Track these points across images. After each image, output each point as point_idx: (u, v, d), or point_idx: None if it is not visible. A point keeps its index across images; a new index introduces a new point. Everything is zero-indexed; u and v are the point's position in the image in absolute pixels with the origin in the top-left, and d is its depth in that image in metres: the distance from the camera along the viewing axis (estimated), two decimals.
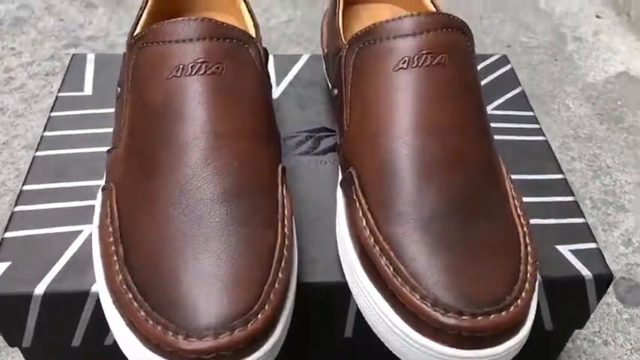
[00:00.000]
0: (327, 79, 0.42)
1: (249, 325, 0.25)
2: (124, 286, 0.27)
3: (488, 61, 0.48)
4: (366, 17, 0.45)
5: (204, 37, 0.31)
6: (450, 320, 0.25)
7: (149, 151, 0.30)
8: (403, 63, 0.31)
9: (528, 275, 0.28)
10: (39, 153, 0.39)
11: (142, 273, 0.27)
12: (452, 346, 0.26)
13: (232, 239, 0.27)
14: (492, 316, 0.25)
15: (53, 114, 0.42)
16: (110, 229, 0.29)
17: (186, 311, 0.25)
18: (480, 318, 0.25)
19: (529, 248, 0.29)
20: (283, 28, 0.75)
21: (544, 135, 0.42)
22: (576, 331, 0.45)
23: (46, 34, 0.72)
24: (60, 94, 0.43)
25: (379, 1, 0.45)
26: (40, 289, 0.32)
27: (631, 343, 0.45)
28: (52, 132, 0.40)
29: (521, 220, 0.30)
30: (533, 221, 0.36)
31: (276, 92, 0.44)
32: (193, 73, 0.30)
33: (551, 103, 0.66)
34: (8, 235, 0.34)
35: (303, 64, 0.47)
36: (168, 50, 0.31)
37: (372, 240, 0.29)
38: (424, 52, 0.31)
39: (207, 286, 0.25)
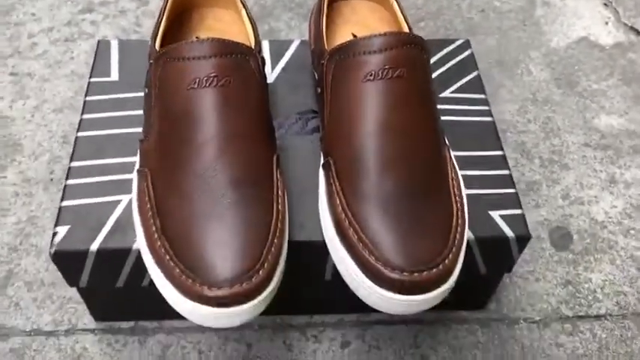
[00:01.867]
0: (313, 69, 0.51)
1: (254, 278, 0.35)
2: (163, 250, 0.37)
3: (452, 46, 0.56)
4: (347, 12, 0.53)
5: (214, 54, 0.40)
6: (395, 276, 0.36)
7: (174, 147, 0.39)
8: (370, 75, 0.40)
9: (456, 242, 0.38)
10: (80, 134, 0.48)
11: (175, 241, 0.37)
12: (397, 293, 0.36)
13: (240, 216, 0.37)
14: (425, 272, 0.36)
15: (88, 98, 0.50)
16: (148, 205, 0.39)
17: (208, 269, 0.35)
18: (416, 274, 0.35)
19: (459, 221, 0.39)
20: None
21: (492, 116, 0.51)
22: (514, 270, 0.56)
23: None
24: (91, 80, 0.52)
25: None
26: (94, 247, 0.42)
27: (557, 280, 0.57)
28: (89, 115, 0.49)
29: (456, 198, 0.40)
30: (472, 191, 0.46)
31: (271, 77, 0.53)
32: (207, 85, 0.39)
33: (516, 68, 0.74)
34: (64, 204, 0.44)
35: (294, 50, 0.55)
36: (187, 66, 0.39)
37: (344, 215, 0.39)
38: (387, 66, 0.40)
39: (223, 251, 0.36)
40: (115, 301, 0.50)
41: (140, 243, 0.40)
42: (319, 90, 0.45)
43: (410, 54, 0.41)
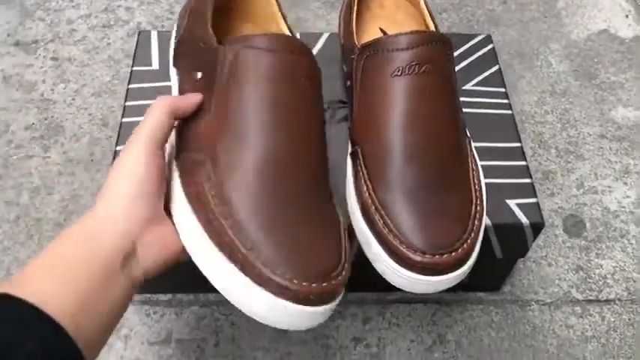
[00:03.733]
0: (342, 63, 0.53)
1: (340, 277, 0.36)
2: (238, 243, 0.34)
3: (473, 41, 0.59)
4: (376, 7, 0.55)
5: (285, 49, 0.40)
6: (417, 258, 0.39)
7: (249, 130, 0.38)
8: (398, 71, 0.43)
9: (474, 228, 0.41)
10: (125, 119, 0.52)
11: (256, 233, 0.35)
12: (418, 273, 0.39)
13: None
14: (445, 255, 0.39)
15: (131, 86, 0.54)
16: (211, 194, 0.37)
17: (296, 263, 0.34)
18: (436, 257, 0.39)
19: (478, 208, 0.42)
20: None
21: (511, 109, 0.54)
22: (527, 255, 0.59)
23: None
24: (133, 69, 0.55)
25: None
26: None
27: (569, 265, 0.59)
28: (132, 102, 0.53)
29: (476, 187, 0.43)
30: (490, 181, 0.49)
31: None
32: (286, 80, 0.40)
33: (536, 59, 0.76)
34: None
35: (324, 43, 0.58)
36: (267, 56, 0.39)
37: (370, 201, 0.42)
38: (413, 63, 0.43)
39: (316, 244, 0.36)
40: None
41: (194, 236, 0.37)
42: (348, 83, 0.48)
43: (435, 51, 0.44)
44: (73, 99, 0.70)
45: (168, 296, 0.56)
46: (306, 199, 0.38)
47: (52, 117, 0.68)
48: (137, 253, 0.36)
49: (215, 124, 0.39)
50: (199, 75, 0.42)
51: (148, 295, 0.56)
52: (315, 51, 0.57)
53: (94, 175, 0.64)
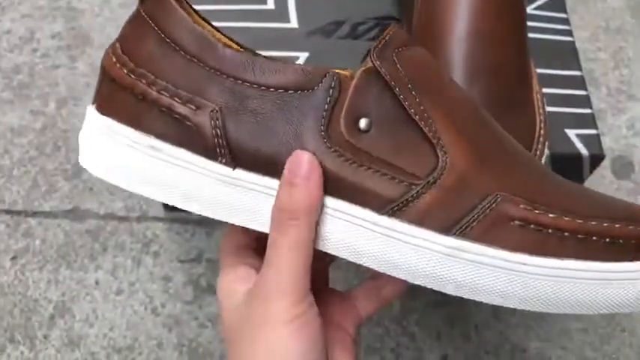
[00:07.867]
0: None
1: None
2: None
3: None
4: None
5: None
6: None
7: None
8: None
9: (538, 152, 0.38)
10: None
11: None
12: None
13: None
14: None
15: None
16: None
17: None
18: None
19: (542, 132, 0.39)
20: None
21: (572, 36, 0.50)
22: None
23: None
24: None
25: None
26: None
27: None
28: None
29: (540, 111, 0.40)
30: (551, 109, 0.46)
31: None
32: None
33: None
34: None
35: None
36: None
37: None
38: None
39: None
40: None
41: None
42: None
43: None
44: (101, 9, 0.67)
45: (199, 215, 0.54)
46: None
47: (80, 26, 0.65)
48: None
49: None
50: (365, 122, 0.29)
51: (179, 214, 0.54)
52: None
53: None
